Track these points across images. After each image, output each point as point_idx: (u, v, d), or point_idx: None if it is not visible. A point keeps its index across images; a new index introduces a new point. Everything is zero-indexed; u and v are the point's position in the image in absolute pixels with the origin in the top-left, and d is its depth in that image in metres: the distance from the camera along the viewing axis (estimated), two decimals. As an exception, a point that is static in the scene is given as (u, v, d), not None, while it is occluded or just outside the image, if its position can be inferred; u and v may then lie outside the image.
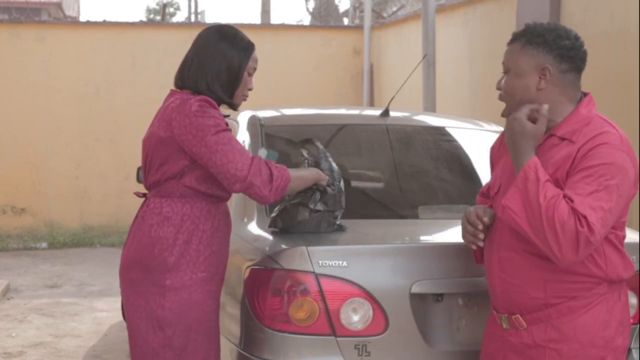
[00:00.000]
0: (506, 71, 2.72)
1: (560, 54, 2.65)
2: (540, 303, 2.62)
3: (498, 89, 2.75)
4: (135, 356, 3.05)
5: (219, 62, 3.02)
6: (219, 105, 3.05)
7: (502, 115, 2.77)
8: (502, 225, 2.68)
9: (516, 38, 2.72)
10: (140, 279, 2.99)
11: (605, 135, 2.57)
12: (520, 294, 2.64)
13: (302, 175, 3.06)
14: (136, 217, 3.09)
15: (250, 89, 3.11)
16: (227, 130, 2.92)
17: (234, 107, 3.12)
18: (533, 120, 2.63)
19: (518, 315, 2.67)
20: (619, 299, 2.66)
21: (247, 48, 3.06)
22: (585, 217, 2.44)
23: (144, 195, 3.14)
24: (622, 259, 2.65)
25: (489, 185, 2.99)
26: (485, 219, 2.74)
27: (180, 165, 2.96)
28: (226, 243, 3.11)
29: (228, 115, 3.28)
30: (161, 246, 2.96)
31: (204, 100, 2.95)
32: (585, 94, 2.73)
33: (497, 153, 2.92)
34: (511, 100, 2.70)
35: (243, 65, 3.04)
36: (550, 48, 2.65)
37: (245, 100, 3.14)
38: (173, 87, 3.12)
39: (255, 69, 3.10)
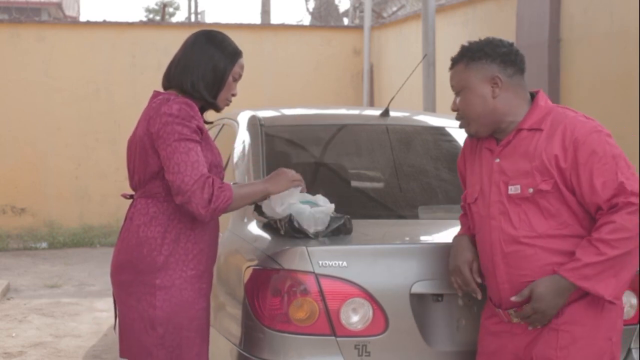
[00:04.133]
0: (457, 92, 2.87)
1: (503, 60, 2.83)
2: None
3: (454, 110, 2.90)
4: (129, 356, 3.06)
5: (205, 63, 3.04)
6: (202, 106, 3.07)
7: (470, 135, 2.92)
8: (498, 224, 2.77)
9: (457, 61, 2.88)
10: (130, 280, 3.00)
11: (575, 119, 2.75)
12: (530, 284, 2.71)
13: (247, 193, 3.03)
14: (125, 218, 3.11)
15: (234, 95, 3.13)
16: (192, 140, 2.91)
17: (218, 109, 3.13)
18: None
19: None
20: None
21: (234, 53, 3.09)
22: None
23: (131, 197, 3.16)
24: None
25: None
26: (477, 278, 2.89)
27: (159, 164, 2.97)
28: (215, 240, 3.12)
29: (211, 122, 3.28)
30: (150, 246, 2.98)
31: (185, 103, 2.95)
32: (536, 92, 2.89)
33: (464, 165, 3.03)
34: (471, 114, 2.85)
35: (228, 69, 3.06)
36: (492, 58, 2.83)
37: (228, 105, 3.15)
38: (156, 89, 3.14)
39: (240, 75, 3.12)
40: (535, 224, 2.71)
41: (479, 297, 2.88)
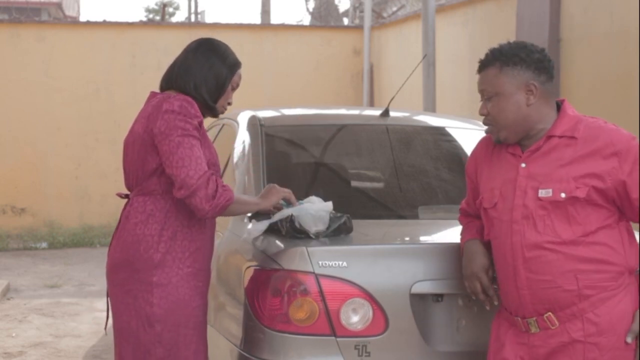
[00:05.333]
0: (489, 97, 2.79)
1: (537, 67, 2.77)
2: (574, 295, 2.66)
3: (483, 114, 2.82)
4: (126, 355, 3.07)
5: (207, 69, 3.12)
6: (202, 110, 3.10)
7: (498, 141, 2.83)
8: (521, 228, 2.72)
9: (488, 64, 2.81)
10: (127, 278, 3.03)
11: (609, 128, 2.74)
12: (552, 290, 2.68)
13: (244, 200, 3.13)
14: (120, 218, 3.13)
15: (229, 103, 3.22)
16: (193, 136, 2.96)
17: (216, 113, 3.19)
18: None
19: (550, 314, 2.70)
20: (637, 290, 2.74)
21: (235, 64, 3.18)
22: None
23: (126, 196, 3.17)
24: (636, 247, 2.77)
25: (468, 201, 3.05)
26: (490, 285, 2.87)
27: (158, 161, 3.01)
28: (211, 239, 3.15)
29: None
30: (147, 244, 3.00)
31: (185, 100, 3.01)
32: (561, 100, 2.85)
33: (475, 170, 2.98)
34: (504, 121, 2.78)
35: (228, 78, 3.15)
36: (527, 64, 2.76)
37: (223, 112, 3.23)
38: (153, 90, 3.19)
39: (238, 85, 3.21)
40: (560, 230, 2.68)
41: (496, 303, 2.84)
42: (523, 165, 2.77)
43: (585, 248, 2.66)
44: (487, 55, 2.82)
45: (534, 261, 2.69)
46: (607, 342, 2.66)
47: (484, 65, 2.81)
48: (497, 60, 2.78)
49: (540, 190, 2.71)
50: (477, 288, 2.85)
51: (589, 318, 2.66)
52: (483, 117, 2.84)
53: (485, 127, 2.89)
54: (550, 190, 2.69)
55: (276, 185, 3.19)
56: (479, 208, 2.93)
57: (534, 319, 2.72)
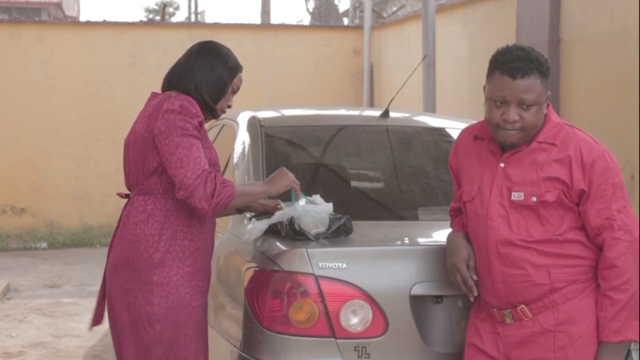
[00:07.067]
0: (529, 105, 2.73)
1: (549, 77, 2.80)
2: (546, 289, 2.75)
3: (515, 121, 2.73)
4: (126, 354, 3.08)
5: (208, 71, 3.13)
6: (202, 111, 3.10)
7: (513, 145, 2.79)
8: (496, 225, 2.79)
9: (529, 72, 2.72)
10: (127, 277, 3.04)
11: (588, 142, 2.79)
12: (526, 283, 2.76)
13: (248, 191, 3.14)
14: (120, 217, 3.14)
15: (229, 106, 3.23)
16: (194, 136, 2.97)
17: (216, 114, 3.20)
18: None
19: (523, 306, 2.78)
20: None
21: (236, 67, 3.19)
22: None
23: (127, 195, 3.18)
24: None
25: (455, 195, 3.07)
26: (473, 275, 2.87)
27: (158, 160, 3.02)
28: (211, 239, 3.16)
29: None
30: (147, 243, 3.01)
31: (186, 100, 3.02)
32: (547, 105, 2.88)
33: (456, 163, 3.01)
34: (532, 131, 2.78)
35: (229, 80, 3.16)
36: (548, 75, 2.79)
37: (223, 114, 3.24)
38: (154, 90, 3.20)
39: (239, 87, 3.22)
40: (533, 230, 2.76)
41: (475, 294, 2.87)
42: (502, 165, 2.82)
43: (557, 245, 2.75)
44: (524, 60, 2.74)
45: (508, 256, 2.77)
46: (577, 330, 2.74)
47: (526, 72, 2.73)
48: (536, 69, 2.75)
49: (513, 193, 2.78)
50: (458, 280, 2.89)
51: (559, 309, 2.75)
52: (506, 123, 2.74)
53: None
54: (522, 194, 2.76)
55: (287, 171, 3.18)
56: (459, 200, 2.99)
57: (509, 310, 2.80)
